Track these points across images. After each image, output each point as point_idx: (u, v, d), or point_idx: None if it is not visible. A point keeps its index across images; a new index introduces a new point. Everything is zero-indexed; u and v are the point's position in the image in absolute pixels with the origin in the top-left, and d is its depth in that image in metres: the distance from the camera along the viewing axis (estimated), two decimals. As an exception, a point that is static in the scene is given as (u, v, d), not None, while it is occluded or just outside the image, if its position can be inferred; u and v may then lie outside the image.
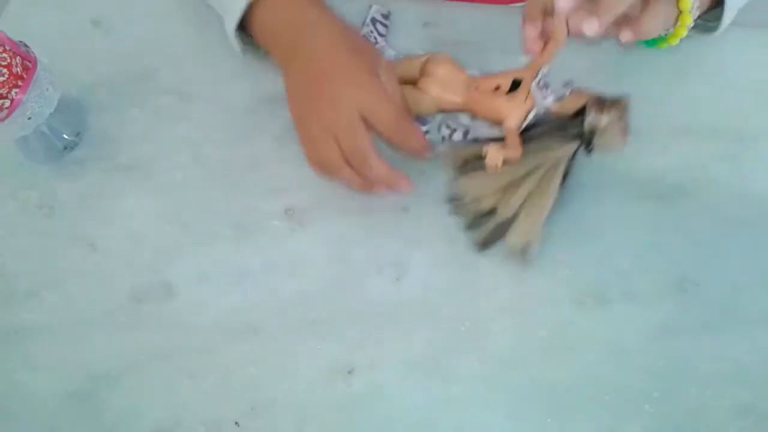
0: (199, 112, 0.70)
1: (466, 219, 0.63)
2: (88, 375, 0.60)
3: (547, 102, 0.61)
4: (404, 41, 0.72)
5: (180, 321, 0.62)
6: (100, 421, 0.59)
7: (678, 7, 0.60)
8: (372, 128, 0.60)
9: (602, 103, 0.59)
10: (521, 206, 0.60)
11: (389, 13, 0.73)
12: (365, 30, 0.71)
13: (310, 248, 0.64)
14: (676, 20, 0.61)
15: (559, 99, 0.61)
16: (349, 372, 0.59)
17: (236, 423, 0.58)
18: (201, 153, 0.69)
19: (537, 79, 0.61)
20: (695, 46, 0.68)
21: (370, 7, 0.72)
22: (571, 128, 0.60)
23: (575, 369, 0.58)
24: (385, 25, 0.72)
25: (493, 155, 0.59)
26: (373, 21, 0.72)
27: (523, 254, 0.60)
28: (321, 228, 0.64)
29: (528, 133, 0.61)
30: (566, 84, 0.61)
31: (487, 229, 0.61)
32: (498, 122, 0.62)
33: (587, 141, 0.60)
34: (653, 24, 0.60)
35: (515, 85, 0.62)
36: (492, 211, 0.61)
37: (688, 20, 0.60)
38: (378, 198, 0.64)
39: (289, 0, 0.64)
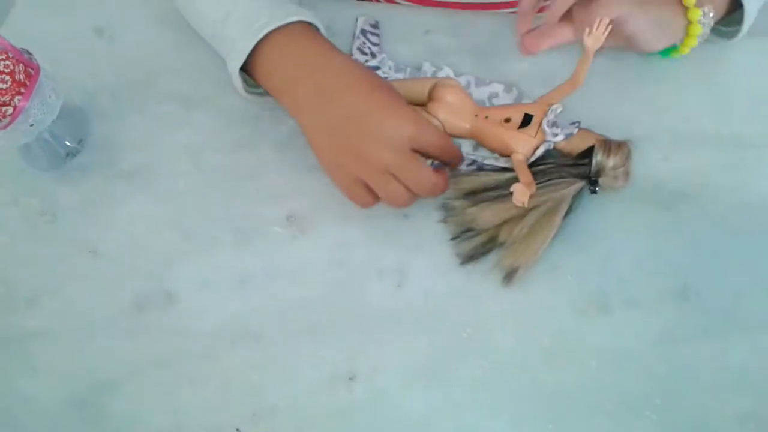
0: (201, 118, 0.71)
1: (454, 230, 0.63)
2: (90, 381, 0.60)
3: (557, 139, 0.62)
4: (405, 49, 0.72)
5: (181, 327, 0.62)
6: (101, 428, 0.59)
7: (687, 18, 0.60)
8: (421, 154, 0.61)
9: (609, 145, 0.61)
10: (523, 234, 0.61)
11: (377, 22, 0.73)
12: (358, 42, 0.71)
13: (311, 254, 0.64)
14: (686, 30, 0.62)
15: (568, 137, 0.62)
16: (350, 378, 0.59)
17: (237, 430, 0.58)
18: (202, 159, 0.69)
19: (548, 115, 0.62)
20: (698, 53, 0.68)
21: (357, 19, 0.73)
22: (576, 167, 0.62)
23: (577, 376, 0.58)
24: (376, 35, 0.72)
25: (522, 192, 0.58)
26: (363, 32, 0.72)
27: (509, 276, 0.61)
28: (322, 234, 0.65)
29: (533, 168, 0.62)
30: (574, 123, 0.62)
31: (475, 243, 0.62)
32: (505, 153, 0.63)
33: (593, 181, 0.61)
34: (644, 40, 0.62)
35: (525, 118, 0.63)
36: (491, 239, 0.62)
37: (697, 30, 0.61)
38: (376, 204, 0.64)
39: (299, 42, 0.63)
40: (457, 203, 0.63)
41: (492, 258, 0.62)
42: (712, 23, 0.62)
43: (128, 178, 0.68)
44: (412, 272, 0.62)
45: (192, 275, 0.64)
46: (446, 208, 0.64)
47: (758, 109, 0.66)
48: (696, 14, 0.60)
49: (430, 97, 0.65)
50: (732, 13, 0.65)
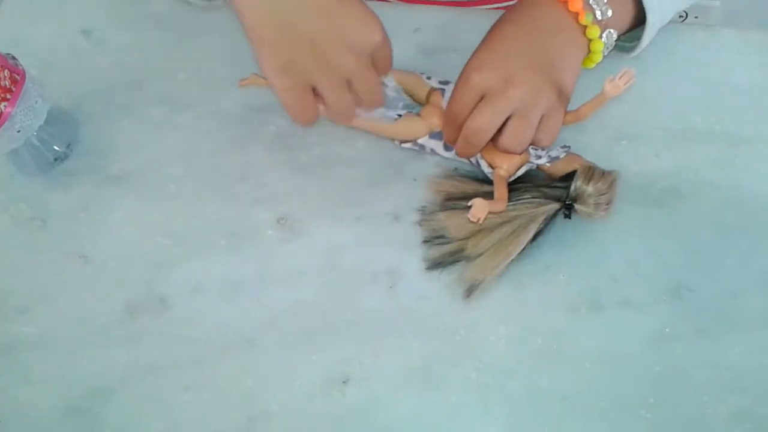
0: (191, 121, 0.70)
1: (427, 234, 0.63)
2: (83, 388, 0.60)
3: (541, 161, 0.61)
4: (394, 48, 0.71)
5: (174, 333, 0.62)
6: (95, 436, 0.59)
7: (585, 35, 0.59)
8: None
9: (592, 173, 0.60)
10: (488, 249, 0.60)
11: None
12: None
13: (303, 257, 0.64)
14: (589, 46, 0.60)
15: (553, 160, 0.61)
16: (344, 382, 0.59)
17: (232, 435, 0.58)
18: (193, 163, 0.68)
19: None
20: (689, 49, 0.68)
21: None
22: (556, 189, 0.61)
23: (571, 376, 0.58)
24: None
25: (480, 208, 0.57)
26: None
27: (470, 290, 0.60)
28: (314, 237, 0.64)
29: (513, 185, 0.62)
30: (564, 147, 0.62)
31: (443, 251, 0.62)
32: (490, 165, 0.62)
33: (568, 206, 0.60)
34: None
35: None
36: (459, 250, 0.61)
37: (600, 46, 0.59)
38: (368, 206, 0.64)
39: None
40: (433, 207, 0.63)
41: (458, 269, 0.61)
42: (614, 37, 0.60)
43: (118, 182, 0.68)
44: (405, 274, 0.62)
45: (184, 280, 0.63)
46: (423, 211, 0.64)
47: (750, 105, 0.66)
48: (595, 32, 0.58)
49: (428, 100, 0.65)
50: (635, 29, 0.64)
